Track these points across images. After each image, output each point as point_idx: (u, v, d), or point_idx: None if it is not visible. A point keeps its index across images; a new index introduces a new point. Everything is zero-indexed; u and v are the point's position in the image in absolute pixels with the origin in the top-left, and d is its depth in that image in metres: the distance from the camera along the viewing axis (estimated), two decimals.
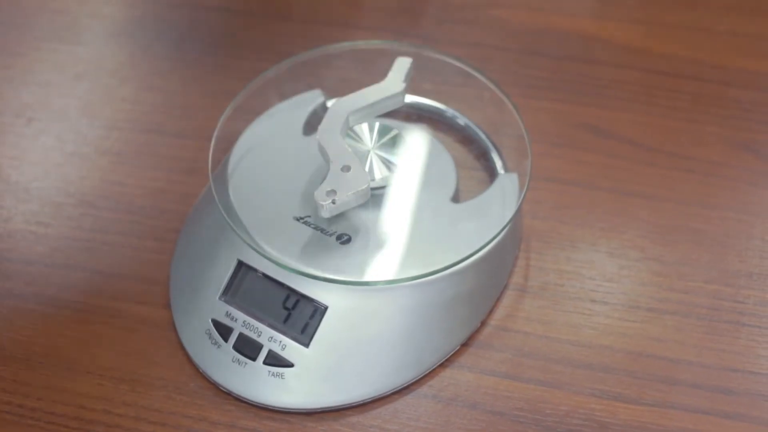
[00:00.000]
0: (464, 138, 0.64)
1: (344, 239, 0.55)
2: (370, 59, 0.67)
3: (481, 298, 0.57)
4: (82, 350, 0.56)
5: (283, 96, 0.64)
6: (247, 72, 0.71)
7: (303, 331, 0.53)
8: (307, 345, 0.53)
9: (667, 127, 0.68)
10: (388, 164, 0.57)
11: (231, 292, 0.55)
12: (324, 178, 0.54)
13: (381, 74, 0.59)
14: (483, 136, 0.63)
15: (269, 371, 0.53)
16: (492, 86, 0.62)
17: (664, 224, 0.62)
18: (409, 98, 0.63)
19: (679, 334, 0.57)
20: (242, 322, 0.54)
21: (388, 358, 0.54)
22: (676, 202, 0.63)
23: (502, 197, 0.58)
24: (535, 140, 0.60)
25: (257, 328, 0.54)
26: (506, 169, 0.61)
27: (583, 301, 0.58)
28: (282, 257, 0.53)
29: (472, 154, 0.63)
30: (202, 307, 0.55)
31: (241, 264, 0.55)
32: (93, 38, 0.75)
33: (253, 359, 0.53)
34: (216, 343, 0.54)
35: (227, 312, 0.54)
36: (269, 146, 0.60)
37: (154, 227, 0.62)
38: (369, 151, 0.58)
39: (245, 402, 0.54)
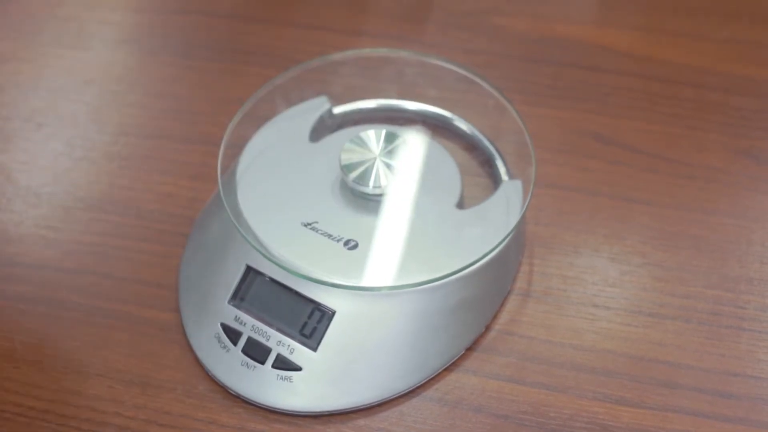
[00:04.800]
0: (468, 145, 0.65)
1: (351, 245, 0.55)
2: (375, 66, 0.68)
3: (486, 303, 0.58)
4: (92, 353, 0.57)
5: (290, 102, 0.64)
6: (254, 78, 0.72)
7: (311, 335, 0.54)
8: (315, 349, 0.54)
9: (669, 133, 0.69)
10: (394, 171, 0.58)
11: (240, 297, 0.56)
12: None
13: (386, 81, 0.60)
14: (487, 143, 0.64)
15: (278, 375, 0.54)
16: (495, 93, 0.62)
17: (665, 230, 0.63)
18: (414, 105, 0.64)
19: (680, 338, 0.58)
20: (251, 326, 0.55)
21: (394, 362, 0.54)
22: (677, 208, 0.64)
23: (506, 204, 0.59)
24: (537, 147, 0.60)
25: (266, 332, 0.54)
26: (510, 176, 0.62)
27: (586, 306, 0.59)
28: (290, 262, 0.54)
29: (476, 161, 0.64)
30: (211, 311, 0.56)
31: (249, 269, 0.56)
32: (101, 45, 0.76)
33: (262, 363, 0.54)
34: (225, 346, 0.55)
35: (236, 316, 0.55)
36: (277, 152, 0.61)
37: (162, 232, 0.63)
38: (375, 158, 0.58)
39: (254, 405, 0.54)
